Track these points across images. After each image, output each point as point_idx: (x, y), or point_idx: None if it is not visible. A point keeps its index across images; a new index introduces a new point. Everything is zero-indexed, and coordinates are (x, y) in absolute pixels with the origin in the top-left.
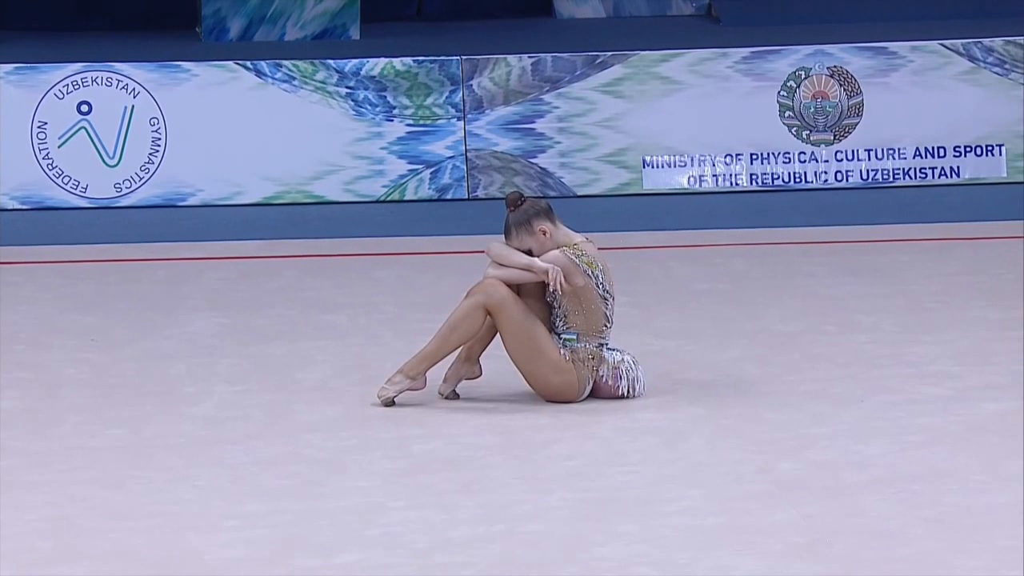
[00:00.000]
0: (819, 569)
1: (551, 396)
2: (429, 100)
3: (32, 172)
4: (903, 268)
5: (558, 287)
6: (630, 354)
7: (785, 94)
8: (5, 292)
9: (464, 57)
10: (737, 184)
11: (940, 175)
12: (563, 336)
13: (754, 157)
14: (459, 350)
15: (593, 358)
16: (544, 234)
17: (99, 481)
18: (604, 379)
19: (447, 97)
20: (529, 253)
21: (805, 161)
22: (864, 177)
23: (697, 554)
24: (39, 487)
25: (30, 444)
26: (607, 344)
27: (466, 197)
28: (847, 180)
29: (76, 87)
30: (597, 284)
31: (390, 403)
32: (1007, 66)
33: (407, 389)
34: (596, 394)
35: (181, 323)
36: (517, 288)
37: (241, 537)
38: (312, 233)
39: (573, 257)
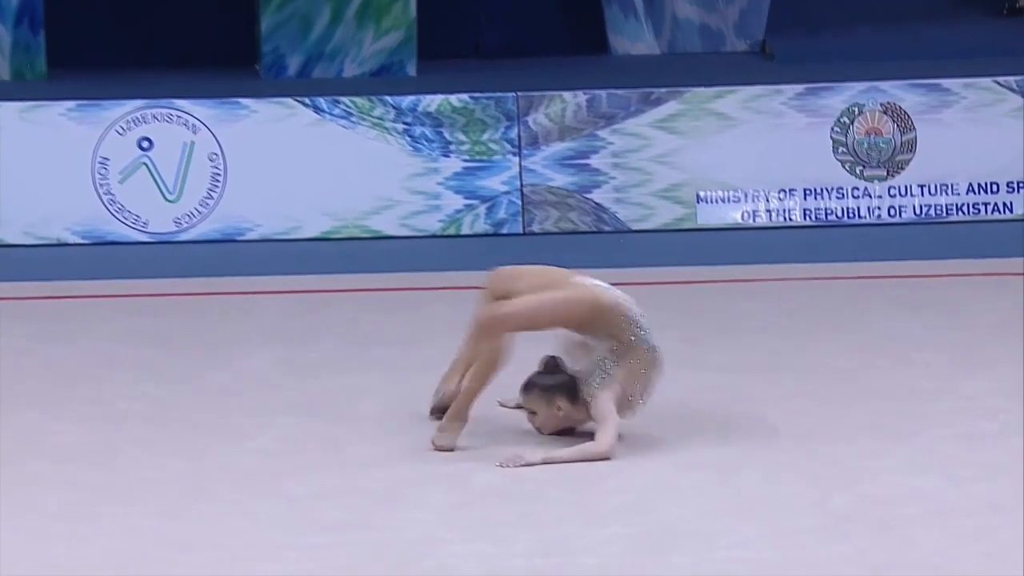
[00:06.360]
0: None
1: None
2: (485, 136)
3: (93, 207)
4: (956, 303)
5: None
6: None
7: (839, 130)
8: (66, 326)
9: (520, 93)
10: (791, 219)
11: (993, 211)
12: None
13: (808, 192)
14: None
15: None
16: (558, 410)
17: (159, 514)
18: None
19: (503, 133)
20: (532, 413)
21: (858, 196)
22: (917, 212)
23: None
24: (100, 519)
25: (91, 477)
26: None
27: (521, 232)
28: (900, 215)
29: (137, 123)
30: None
31: (451, 450)
32: None
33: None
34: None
35: (239, 356)
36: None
37: (299, 570)
38: (369, 268)
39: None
